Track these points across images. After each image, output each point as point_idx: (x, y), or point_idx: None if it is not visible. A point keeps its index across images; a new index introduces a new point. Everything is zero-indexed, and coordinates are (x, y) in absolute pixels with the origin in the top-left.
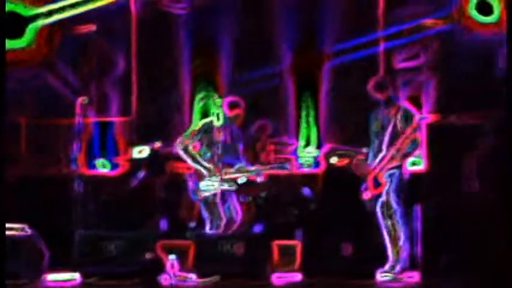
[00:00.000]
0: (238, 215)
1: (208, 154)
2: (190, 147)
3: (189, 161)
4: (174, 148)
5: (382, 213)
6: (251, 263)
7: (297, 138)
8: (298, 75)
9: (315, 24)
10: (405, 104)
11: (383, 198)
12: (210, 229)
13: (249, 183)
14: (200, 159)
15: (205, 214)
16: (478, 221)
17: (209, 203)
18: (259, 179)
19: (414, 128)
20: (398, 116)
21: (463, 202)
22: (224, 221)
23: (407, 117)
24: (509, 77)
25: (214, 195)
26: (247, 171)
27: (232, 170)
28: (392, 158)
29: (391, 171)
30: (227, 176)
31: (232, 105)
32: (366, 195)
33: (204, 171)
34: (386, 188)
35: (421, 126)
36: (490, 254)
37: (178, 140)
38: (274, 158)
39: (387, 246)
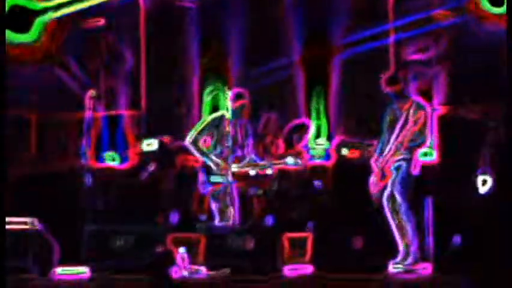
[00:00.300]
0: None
1: (219, 148)
2: (200, 142)
3: (198, 155)
4: (184, 142)
5: (388, 206)
6: (262, 256)
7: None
8: (309, 68)
9: (325, 16)
10: (418, 99)
11: (388, 190)
12: (220, 222)
13: (260, 176)
14: (209, 154)
15: (214, 207)
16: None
17: (218, 196)
18: (269, 171)
19: (415, 121)
20: (411, 111)
21: (472, 194)
22: (232, 213)
23: (419, 112)
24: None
25: (224, 188)
26: (257, 166)
27: (242, 164)
28: (396, 151)
29: (397, 164)
30: (237, 170)
31: (237, 97)
32: (373, 188)
33: (213, 166)
34: (392, 179)
35: (428, 119)
36: (499, 246)
37: (188, 135)
38: (284, 151)
39: (396, 239)
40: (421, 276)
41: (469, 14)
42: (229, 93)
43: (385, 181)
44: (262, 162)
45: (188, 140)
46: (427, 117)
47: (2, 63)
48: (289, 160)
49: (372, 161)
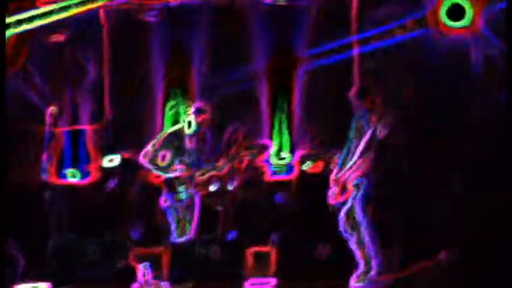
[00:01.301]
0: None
1: (177, 162)
2: (158, 158)
3: (157, 171)
4: (140, 159)
5: (347, 220)
6: (225, 270)
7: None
8: (272, 79)
9: (290, 28)
10: (386, 114)
11: (348, 205)
12: (177, 237)
13: (223, 191)
14: (167, 169)
15: (172, 221)
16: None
17: (177, 210)
18: (230, 187)
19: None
20: (379, 126)
21: (443, 203)
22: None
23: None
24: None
25: (185, 201)
26: (212, 169)
27: (199, 172)
28: (358, 168)
29: (358, 180)
30: (197, 179)
31: (198, 111)
32: (332, 200)
33: (175, 180)
34: (352, 196)
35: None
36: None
37: (144, 151)
38: (247, 164)
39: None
40: None
41: (430, 26)
42: (191, 108)
43: (345, 196)
44: (215, 165)
45: (145, 157)
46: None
47: (2, 63)
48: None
49: (332, 174)
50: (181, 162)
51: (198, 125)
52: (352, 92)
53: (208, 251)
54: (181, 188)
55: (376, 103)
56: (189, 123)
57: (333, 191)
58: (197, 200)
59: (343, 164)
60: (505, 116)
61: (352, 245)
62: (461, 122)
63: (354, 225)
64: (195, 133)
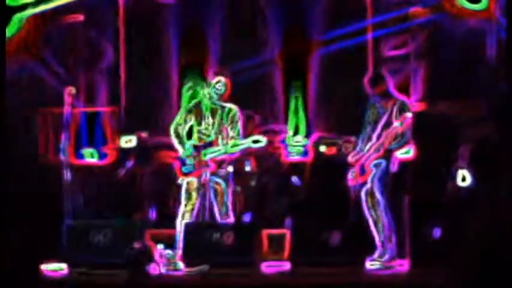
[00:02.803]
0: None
1: (196, 136)
2: (181, 128)
3: (179, 146)
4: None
5: (366, 201)
6: (240, 252)
7: (286, 126)
8: (287, 64)
9: (304, 12)
10: (402, 98)
11: (367, 186)
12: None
13: (239, 172)
14: (185, 142)
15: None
16: (467, 210)
17: (187, 187)
18: (248, 168)
19: (401, 122)
20: (395, 109)
21: (451, 191)
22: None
23: (404, 111)
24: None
25: (199, 182)
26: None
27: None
28: (377, 150)
29: (377, 161)
30: (206, 158)
31: (216, 73)
32: (352, 182)
33: (182, 151)
34: (371, 176)
35: (407, 124)
36: (477, 242)
37: (171, 128)
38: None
39: (374, 235)
40: (398, 273)
41: (446, 11)
42: (207, 90)
43: (364, 177)
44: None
45: (171, 133)
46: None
47: (2, 63)
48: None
49: (350, 156)
50: (199, 132)
51: (214, 89)
52: (366, 78)
53: (222, 234)
54: (189, 161)
55: (389, 89)
56: (209, 95)
57: (352, 172)
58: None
59: (361, 147)
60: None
61: (371, 226)
62: (474, 108)
63: (372, 206)
64: (213, 100)
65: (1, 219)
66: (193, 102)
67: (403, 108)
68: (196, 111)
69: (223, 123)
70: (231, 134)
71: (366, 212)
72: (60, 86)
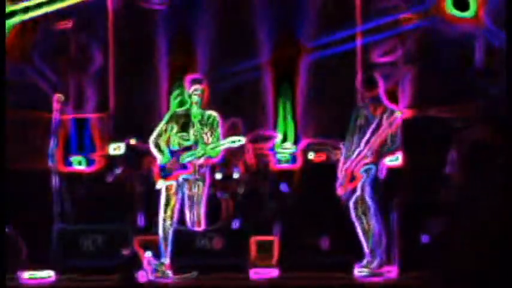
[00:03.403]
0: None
1: (177, 143)
2: (161, 139)
3: (158, 155)
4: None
5: (356, 208)
6: (229, 259)
7: (275, 133)
8: (277, 70)
9: (294, 18)
10: (391, 105)
11: (357, 193)
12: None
13: (227, 178)
14: (165, 151)
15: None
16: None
17: (167, 192)
18: (236, 175)
19: (390, 123)
20: (384, 117)
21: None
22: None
23: (391, 119)
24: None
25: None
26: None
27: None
28: (365, 157)
29: (367, 167)
30: (185, 161)
31: (193, 82)
32: (341, 190)
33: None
34: (361, 182)
35: (396, 125)
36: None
37: (151, 138)
38: (254, 157)
39: (362, 242)
40: (386, 279)
41: (435, 17)
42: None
43: (353, 184)
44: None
45: (150, 143)
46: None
47: (2, 62)
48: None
49: (340, 164)
50: (184, 141)
51: (192, 97)
52: (359, 81)
53: (211, 240)
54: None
55: (380, 93)
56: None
57: (341, 181)
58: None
59: (348, 155)
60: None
61: (360, 233)
62: (464, 112)
63: (363, 213)
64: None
65: None
66: (175, 111)
67: (391, 114)
68: (181, 119)
69: (203, 130)
70: (210, 139)
71: (355, 220)
72: (50, 92)
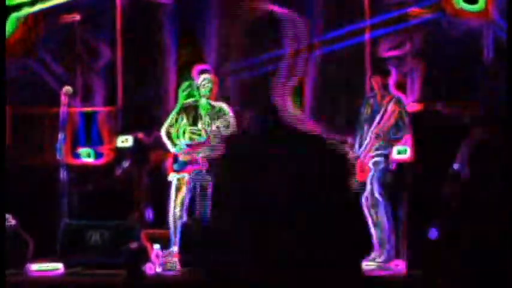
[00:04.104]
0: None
1: (187, 136)
2: (172, 129)
3: (170, 146)
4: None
5: (366, 201)
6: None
7: None
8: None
9: (302, 13)
10: (399, 94)
11: (367, 186)
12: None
13: None
14: (178, 142)
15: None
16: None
17: (178, 185)
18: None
19: (392, 111)
20: (390, 106)
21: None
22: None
23: (400, 108)
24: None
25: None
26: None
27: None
28: (374, 143)
29: (375, 160)
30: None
31: (201, 72)
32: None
33: (173, 149)
34: (370, 177)
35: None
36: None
37: (162, 128)
38: None
39: (372, 235)
40: (395, 273)
41: (444, 11)
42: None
43: (364, 176)
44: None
45: (162, 133)
46: (405, 112)
47: (2, 62)
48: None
49: (351, 155)
50: (193, 134)
51: (200, 88)
52: (374, 67)
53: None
54: (181, 157)
55: (388, 85)
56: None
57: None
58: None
59: (360, 144)
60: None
61: (370, 226)
62: (471, 108)
63: (372, 207)
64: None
65: None
66: (184, 102)
67: (399, 105)
68: (190, 111)
69: (212, 123)
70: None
71: (366, 211)
72: (57, 86)
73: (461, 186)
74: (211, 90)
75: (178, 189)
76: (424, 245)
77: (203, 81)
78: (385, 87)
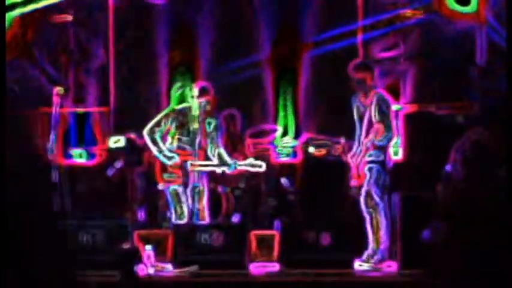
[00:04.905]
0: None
1: (175, 143)
2: (158, 134)
3: (154, 149)
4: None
5: (365, 203)
6: (229, 253)
7: (276, 126)
8: (277, 66)
9: (295, 14)
10: (381, 92)
11: (365, 189)
12: (175, 220)
13: (228, 173)
14: (164, 148)
15: (171, 204)
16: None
17: (173, 193)
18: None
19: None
20: (373, 105)
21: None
22: (187, 212)
23: (382, 106)
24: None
25: (180, 185)
26: (218, 164)
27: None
28: (367, 150)
29: (370, 165)
30: (195, 168)
31: (201, 91)
32: (353, 183)
33: (166, 161)
34: (366, 180)
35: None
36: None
37: (147, 127)
38: (253, 151)
39: (367, 235)
40: (387, 274)
41: (437, 12)
42: (196, 88)
43: (361, 180)
44: (227, 159)
45: (146, 132)
46: (389, 108)
47: (2, 62)
48: (251, 161)
49: (349, 157)
50: (180, 141)
51: (200, 106)
52: (352, 64)
53: (212, 235)
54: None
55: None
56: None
57: (351, 173)
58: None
59: (357, 146)
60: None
61: (368, 227)
62: (465, 109)
63: (372, 208)
64: (201, 116)
65: None
66: (174, 108)
67: (381, 103)
68: (179, 118)
69: (204, 134)
70: (208, 145)
71: (365, 210)
72: (50, 86)
73: (453, 187)
74: (208, 109)
75: (177, 200)
76: (417, 247)
77: (203, 103)
78: (366, 84)
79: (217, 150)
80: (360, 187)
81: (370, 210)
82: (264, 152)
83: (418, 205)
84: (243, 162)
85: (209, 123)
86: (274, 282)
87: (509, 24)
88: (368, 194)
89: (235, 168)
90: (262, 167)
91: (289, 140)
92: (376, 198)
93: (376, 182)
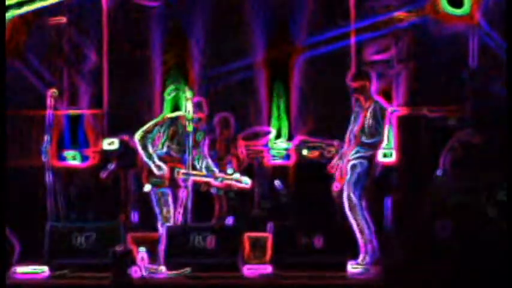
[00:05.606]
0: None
1: (165, 149)
2: (149, 141)
3: (144, 154)
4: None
5: (345, 205)
6: (222, 255)
7: (270, 128)
8: (270, 68)
9: (288, 17)
10: (379, 99)
11: (345, 190)
12: (161, 225)
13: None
14: (154, 156)
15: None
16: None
17: (161, 200)
18: (230, 171)
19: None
20: (370, 110)
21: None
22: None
23: (378, 112)
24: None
25: (170, 192)
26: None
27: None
28: (351, 146)
29: (352, 162)
30: (181, 176)
31: (196, 107)
32: (335, 187)
33: (154, 169)
34: (347, 179)
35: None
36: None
37: (138, 132)
38: (245, 153)
39: (357, 238)
40: (377, 275)
41: (429, 15)
42: (192, 93)
43: (343, 180)
44: (216, 173)
45: (137, 137)
46: (385, 116)
47: (2, 62)
48: (237, 177)
49: (336, 158)
50: (169, 148)
51: (194, 121)
52: (349, 74)
53: (205, 237)
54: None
55: (369, 88)
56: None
57: (335, 177)
58: (190, 186)
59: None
60: (504, 106)
61: (354, 229)
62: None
63: (350, 209)
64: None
65: None
66: (167, 116)
67: (377, 110)
68: (171, 126)
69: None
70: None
71: (349, 215)
72: (43, 88)
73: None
74: (200, 125)
75: (164, 202)
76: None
77: (195, 118)
78: (363, 92)
79: (204, 162)
80: (341, 192)
81: (349, 212)
82: (258, 154)
83: (408, 207)
84: (229, 177)
85: (199, 135)
86: (267, 285)
87: (509, 25)
88: (348, 195)
89: (222, 182)
90: (248, 183)
91: (282, 143)
92: (354, 199)
93: (356, 181)
